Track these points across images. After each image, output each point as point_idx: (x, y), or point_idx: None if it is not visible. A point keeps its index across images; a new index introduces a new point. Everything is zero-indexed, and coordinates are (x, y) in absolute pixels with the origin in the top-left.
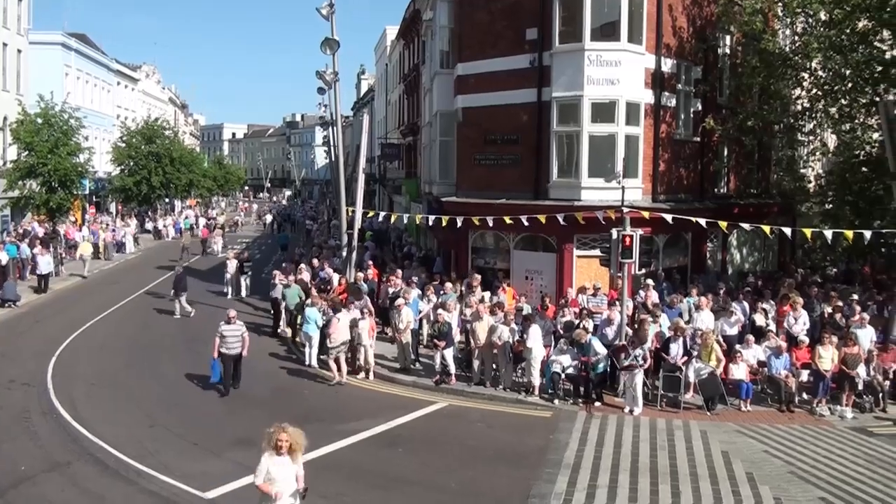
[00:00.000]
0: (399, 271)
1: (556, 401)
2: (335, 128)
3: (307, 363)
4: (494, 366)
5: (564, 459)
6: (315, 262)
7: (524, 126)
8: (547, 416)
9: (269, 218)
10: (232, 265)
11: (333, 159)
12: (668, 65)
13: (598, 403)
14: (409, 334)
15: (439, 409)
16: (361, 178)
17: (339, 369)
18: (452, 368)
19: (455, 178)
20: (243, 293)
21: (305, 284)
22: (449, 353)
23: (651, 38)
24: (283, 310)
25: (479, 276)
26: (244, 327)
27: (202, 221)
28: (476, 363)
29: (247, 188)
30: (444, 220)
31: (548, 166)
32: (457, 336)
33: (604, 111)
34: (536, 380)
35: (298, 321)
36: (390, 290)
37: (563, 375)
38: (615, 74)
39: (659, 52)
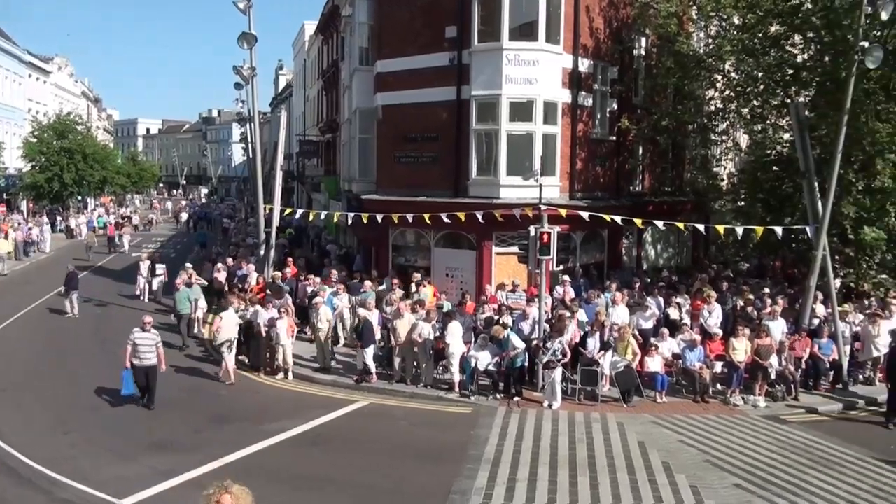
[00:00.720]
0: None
1: (476, 397)
2: (252, 124)
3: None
4: (415, 363)
5: (485, 455)
6: (230, 260)
7: (444, 124)
8: (467, 412)
9: (184, 216)
10: (144, 266)
11: (251, 156)
12: (585, 65)
13: (517, 398)
14: (328, 333)
15: (360, 408)
16: (279, 175)
17: (227, 369)
18: (373, 367)
19: (375, 176)
20: (156, 294)
21: (220, 284)
22: (369, 352)
23: (568, 39)
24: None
25: (419, 277)
26: (159, 337)
27: (113, 219)
28: (397, 361)
29: (161, 185)
30: (365, 217)
31: (467, 164)
32: (377, 334)
33: (522, 110)
34: (456, 376)
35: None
36: (308, 289)
37: (482, 370)
38: (533, 74)
39: (576, 53)
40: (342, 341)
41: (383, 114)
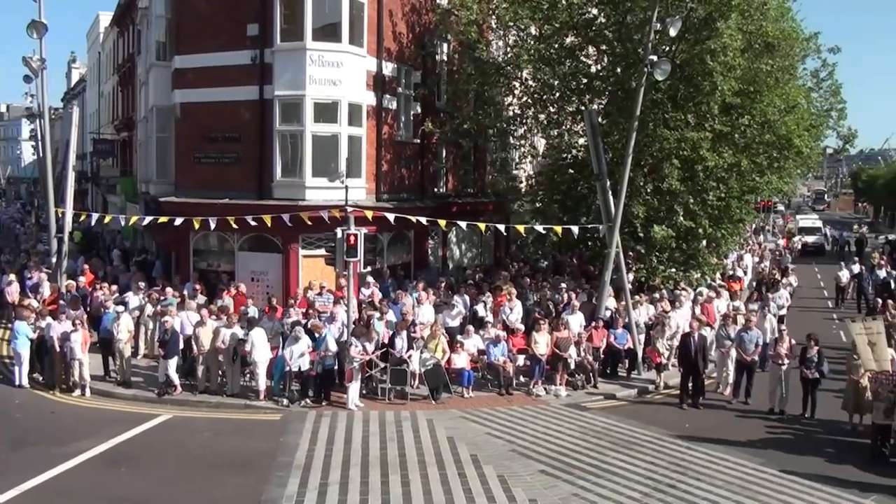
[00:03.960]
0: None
1: (286, 402)
2: (42, 120)
3: (17, 383)
4: (221, 372)
5: (295, 461)
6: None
7: (246, 124)
8: (276, 418)
9: None
10: None
11: (41, 155)
12: (389, 68)
13: (324, 403)
14: (129, 345)
15: (164, 422)
16: (71, 176)
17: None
18: (176, 378)
19: (174, 178)
20: None
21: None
22: (172, 363)
23: (372, 42)
24: None
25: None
26: None
27: None
28: (200, 370)
29: None
30: (164, 221)
31: (271, 166)
32: (180, 344)
33: (326, 111)
34: (262, 383)
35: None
36: (101, 298)
37: (295, 373)
38: (337, 75)
39: (380, 56)
40: (142, 352)
41: (182, 112)
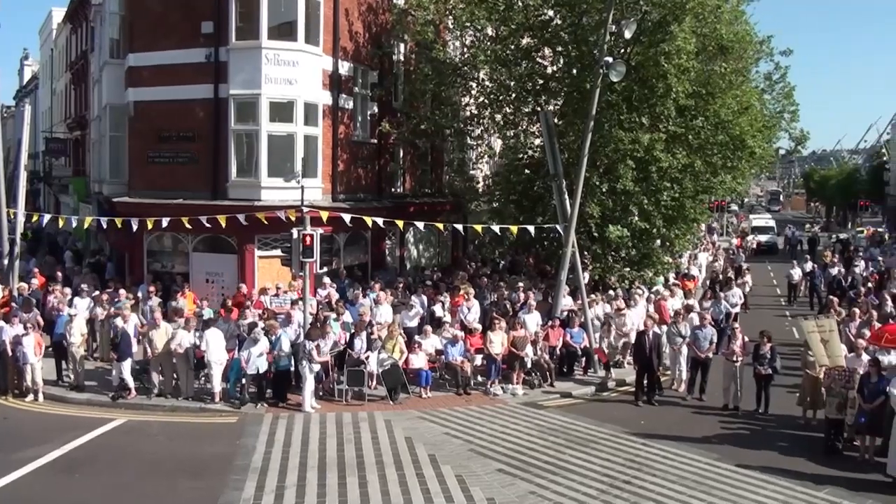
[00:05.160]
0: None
1: (242, 404)
2: None
3: None
4: (175, 375)
5: (252, 464)
6: None
7: (201, 123)
8: (232, 421)
9: None
10: None
11: None
12: (345, 68)
13: (281, 405)
14: (83, 348)
15: (118, 426)
16: (23, 175)
17: None
18: (130, 382)
19: (127, 177)
20: None
21: None
22: (126, 366)
23: (328, 41)
24: None
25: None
26: None
27: None
28: (155, 373)
29: None
30: (119, 222)
31: (226, 165)
32: (134, 346)
33: (282, 111)
34: (218, 386)
35: None
36: (53, 301)
37: (252, 375)
38: (293, 74)
39: (336, 55)
40: (96, 355)
41: (135, 111)
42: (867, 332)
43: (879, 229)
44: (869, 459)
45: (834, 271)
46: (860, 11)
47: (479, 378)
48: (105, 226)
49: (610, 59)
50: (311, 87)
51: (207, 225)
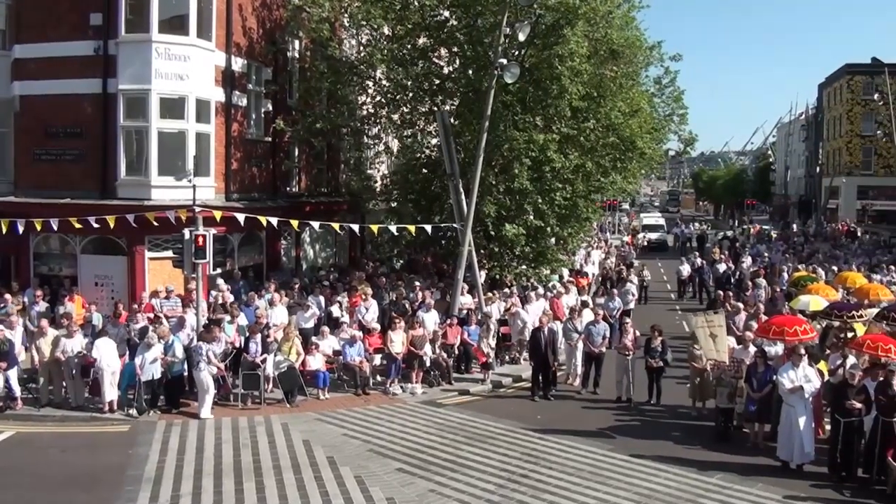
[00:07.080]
0: None
1: (134, 412)
2: None
3: None
4: (64, 383)
5: (146, 473)
6: None
7: (89, 119)
8: (125, 430)
9: None
10: None
11: None
12: (238, 64)
13: (174, 411)
14: None
15: (6, 439)
16: None
17: None
18: (18, 391)
19: (13, 176)
20: None
21: None
22: (13, 374)
23: (221, 36)
24: None
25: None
26: None
27: None
28: (42, 381)
29: None
30: (4, 224)
31: (115, 164)
32: (21, 354)
33: (173, 107)
34: (109, 394)
35: None
36: None
37: (145, 381)
38: (184, 69)
39: (229, 51)
40: None
41: (21, 105)
42: (754, 325)
43: (765, 227)
44: (759, 445)
45: (722, 267)
46: (745, 28)
47: (379, 378)
48: None
49: (504, 61)
50: (203, 83)
51: (96, 225)
